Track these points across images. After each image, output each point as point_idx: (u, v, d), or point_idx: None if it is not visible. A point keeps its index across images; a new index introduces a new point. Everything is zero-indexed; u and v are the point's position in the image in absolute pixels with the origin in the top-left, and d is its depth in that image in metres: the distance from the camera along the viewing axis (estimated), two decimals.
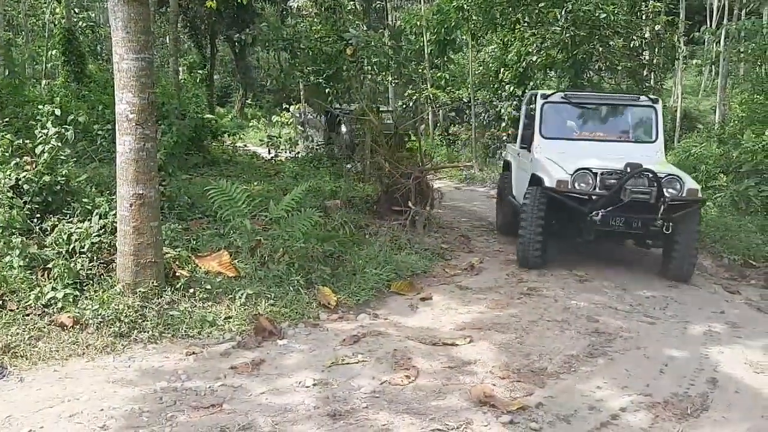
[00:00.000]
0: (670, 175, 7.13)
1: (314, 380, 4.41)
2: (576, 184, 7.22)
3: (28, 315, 4.95)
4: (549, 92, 8.81)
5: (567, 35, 10.77)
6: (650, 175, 6.98)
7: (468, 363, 4.85)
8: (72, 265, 5.39)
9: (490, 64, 17.20)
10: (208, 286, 5.62)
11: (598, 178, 7.21)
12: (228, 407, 4.02)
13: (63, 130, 6.71)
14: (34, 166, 6.40)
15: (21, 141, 6.81)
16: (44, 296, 5.09)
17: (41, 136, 6.51)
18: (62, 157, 6.59)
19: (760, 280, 7.60)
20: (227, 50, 31.21)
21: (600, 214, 6.94)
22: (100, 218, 5.96)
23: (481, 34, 15.91)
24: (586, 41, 10.97)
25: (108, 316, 4.92)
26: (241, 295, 5.59)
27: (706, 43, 26.66)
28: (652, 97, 8.59)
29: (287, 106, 17.47)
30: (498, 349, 5.14)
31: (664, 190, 6.93)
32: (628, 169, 7.05)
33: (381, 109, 14.44)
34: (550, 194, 7.31)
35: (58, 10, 18.10)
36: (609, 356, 5.13)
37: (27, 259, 5.48)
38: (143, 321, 5.02)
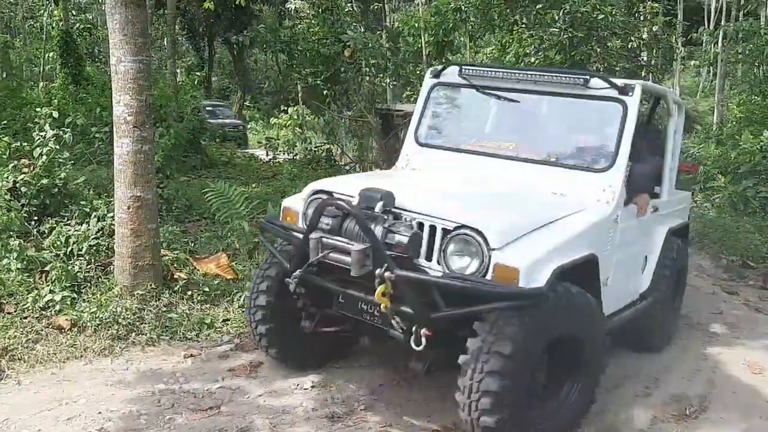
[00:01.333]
0: (462, 227, 3.52)
1: (312, 382, 4.41)
2: (308, 218, 3.99)
3: (25, 318, 4.93)
4: (440, 67, 5.24)
5: (565, 36, 10.77)
6: (356, 217, 3.63)
7: None
8: (70, 267, 5.38)
9: None
10: (207, 289, 5.61)
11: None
12: (226, 409, 4.01)
13: (61, 132, 6.71)
14: (31, 168, 6.40)
15: (19, 143, 6.81)
16: (42, 299, 5.08)
17: (39, 138, 6.51)
18: (60, 160, 6.59)
19: (758, 281, 7.61)
20: (225, 52, 31.27)
21: (294, 278, 3.92)
22: (97, 221, 5.95)
23: (479, 35, 15.93)
24: (584, 42, 10.97)
25: (106, 319, 4.91)
26: (240, 297, 5.58)
27: (704, 44, 26.72)
28: (619, 82, 4.42)
29: (285, 108, 17.49)
30: None
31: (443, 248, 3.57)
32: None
33: None
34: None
35: (56, 12, 18.08)
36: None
37: (24, 262, 5.46)
38: (141, 323, 5.01)
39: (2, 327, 4.75)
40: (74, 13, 23.73)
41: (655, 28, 12.81)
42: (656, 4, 13.22)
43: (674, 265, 5.22)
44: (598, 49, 11.21)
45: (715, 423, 4.17)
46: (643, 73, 13.29)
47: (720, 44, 19.61)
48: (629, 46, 12.22)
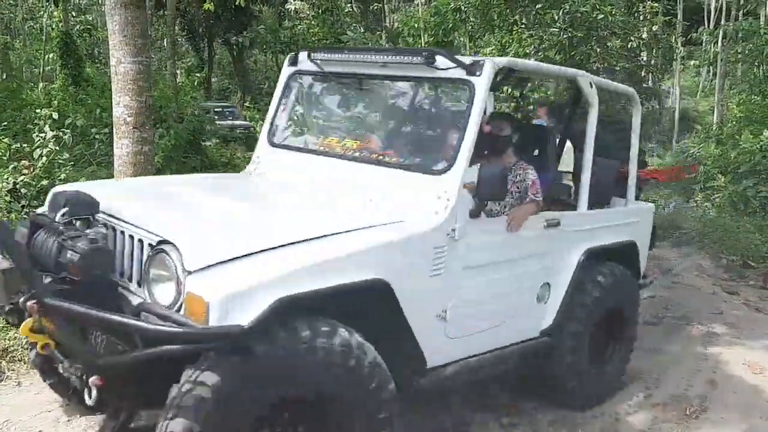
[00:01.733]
0: (162, 242, 2.63)
1: None
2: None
3: None
4: (295, 53, 4.35)
5: (565, 36, 10.78)
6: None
7: None
8: None
9: None
10: None
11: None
12: None
13: (61, 133, 6.73)
14: (31, 169, 6.41)
15: (19, 145, 6.81)
16: None
17: (39, 139, 6.52)
18: (60, 161, 6.60)
19: (759, 281, 7.60)
20: (225, 53, 31.25)
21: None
22: None
23: (478, 35, 15.93)
24: (583, 42, 10.98)
25: None
26: None
27: (704, 44, 26.76)
28: (466, 60, 3.41)
29: None
30: None
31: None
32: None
33: None
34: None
35: (55, 14, 18.09)
36: None
37: None
38: None
39: (2, 328, 4.75)
40: (74, 14, 23.74)
41: (654, 28, 12.82)
42: (656, 4, 13.23)
43: (601, 295, 4.04)
44: (598, 49, 11.22)
45: (715, 423, 4.16)
46: (642, 73, 13.31)
47: (720, 44, 19.62)
48: (629, 46, 12.22)
